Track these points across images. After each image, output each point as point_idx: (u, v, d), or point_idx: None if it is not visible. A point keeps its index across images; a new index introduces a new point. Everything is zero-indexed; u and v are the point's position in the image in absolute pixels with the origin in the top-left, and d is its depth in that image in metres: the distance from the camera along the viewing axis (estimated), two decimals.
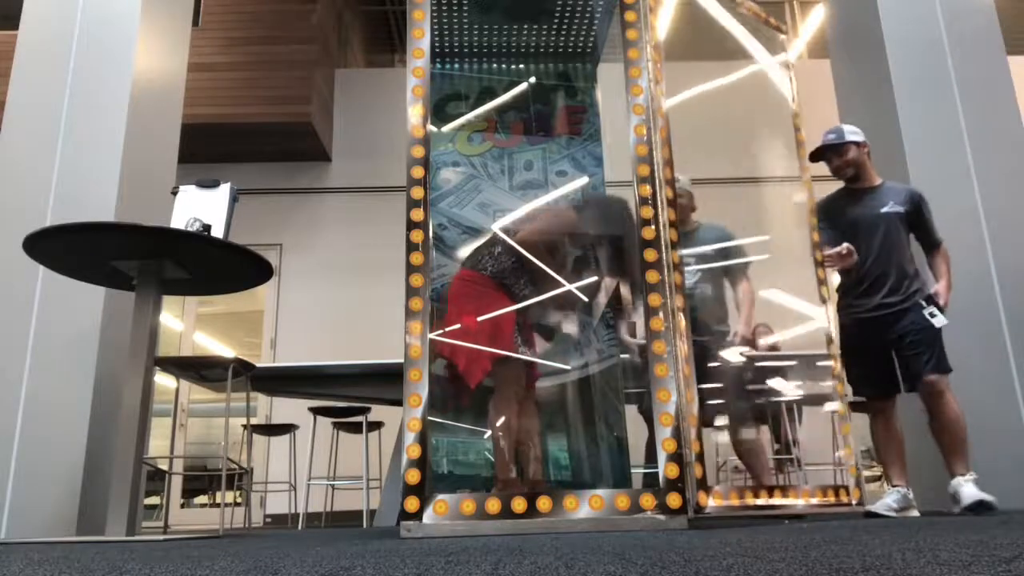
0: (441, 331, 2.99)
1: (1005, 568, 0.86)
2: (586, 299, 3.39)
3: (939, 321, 2.96)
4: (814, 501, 2.53)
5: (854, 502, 2.63)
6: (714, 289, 3.33)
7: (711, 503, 2.13)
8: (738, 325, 3.38)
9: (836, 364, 2.86)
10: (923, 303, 3.00)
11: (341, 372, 4.07)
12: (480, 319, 3.03)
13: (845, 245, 2.98)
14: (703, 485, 2.10)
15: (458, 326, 3.02)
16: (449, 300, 3.15)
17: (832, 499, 2.57)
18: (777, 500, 2.43)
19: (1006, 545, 1.02)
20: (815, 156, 3.23)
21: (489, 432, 3.05)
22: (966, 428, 2.85)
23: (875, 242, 3.05)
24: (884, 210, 3.09)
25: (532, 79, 3.69)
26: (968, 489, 2.73)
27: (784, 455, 4.83)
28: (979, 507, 2.67)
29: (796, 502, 2.49)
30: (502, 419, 3.02)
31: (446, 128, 3.60)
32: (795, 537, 1.38)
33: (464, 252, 3.42)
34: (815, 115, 5.73)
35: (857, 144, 3.17)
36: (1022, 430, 3.39)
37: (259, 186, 7.14)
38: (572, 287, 3.34)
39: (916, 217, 3.13)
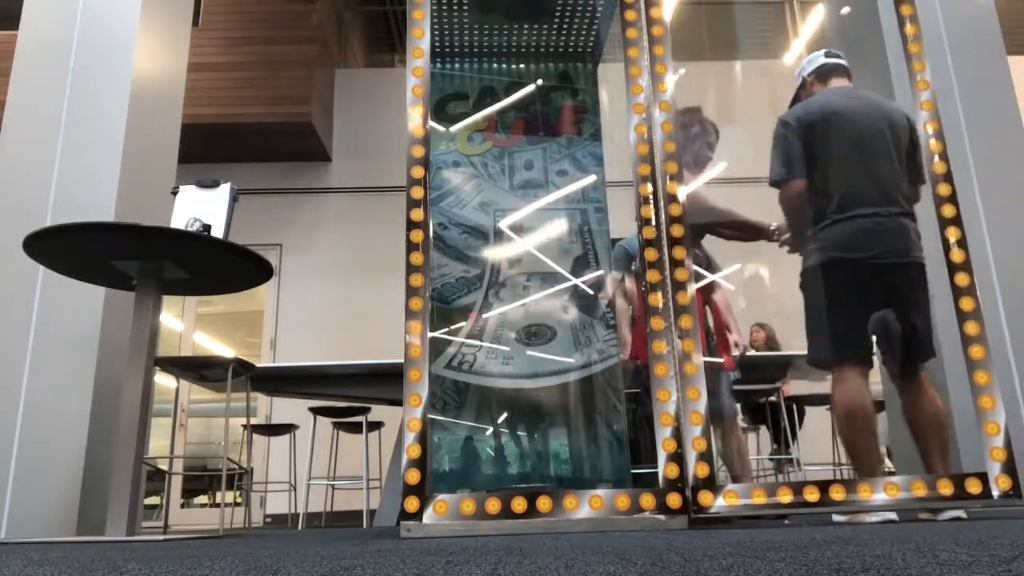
0: None
1: (1005, 568, 0.86)
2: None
3: None
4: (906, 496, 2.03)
5: (996, 493, 2.01)
6: None
7: (720, 502, 2.05)
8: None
9: None
10: None
11: (341, 372, 4.07)
12: None
13: None
14: (710, 484, 2.06)
15: None
16: None
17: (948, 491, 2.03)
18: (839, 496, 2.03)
19: (1006, 545, 1.02)
20: None
21: None
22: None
23: None
24: None
25: (533, 79, 3.69)
26: None
27: (783, 455, 4.83)
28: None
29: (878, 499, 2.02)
30: None
31: (446, 128, 3.59)
32: (795, 537, 1.38)
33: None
34: None
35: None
36: (1022, 429, 3.38)
37: (259, 186, 7.14)
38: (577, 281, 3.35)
39: None
